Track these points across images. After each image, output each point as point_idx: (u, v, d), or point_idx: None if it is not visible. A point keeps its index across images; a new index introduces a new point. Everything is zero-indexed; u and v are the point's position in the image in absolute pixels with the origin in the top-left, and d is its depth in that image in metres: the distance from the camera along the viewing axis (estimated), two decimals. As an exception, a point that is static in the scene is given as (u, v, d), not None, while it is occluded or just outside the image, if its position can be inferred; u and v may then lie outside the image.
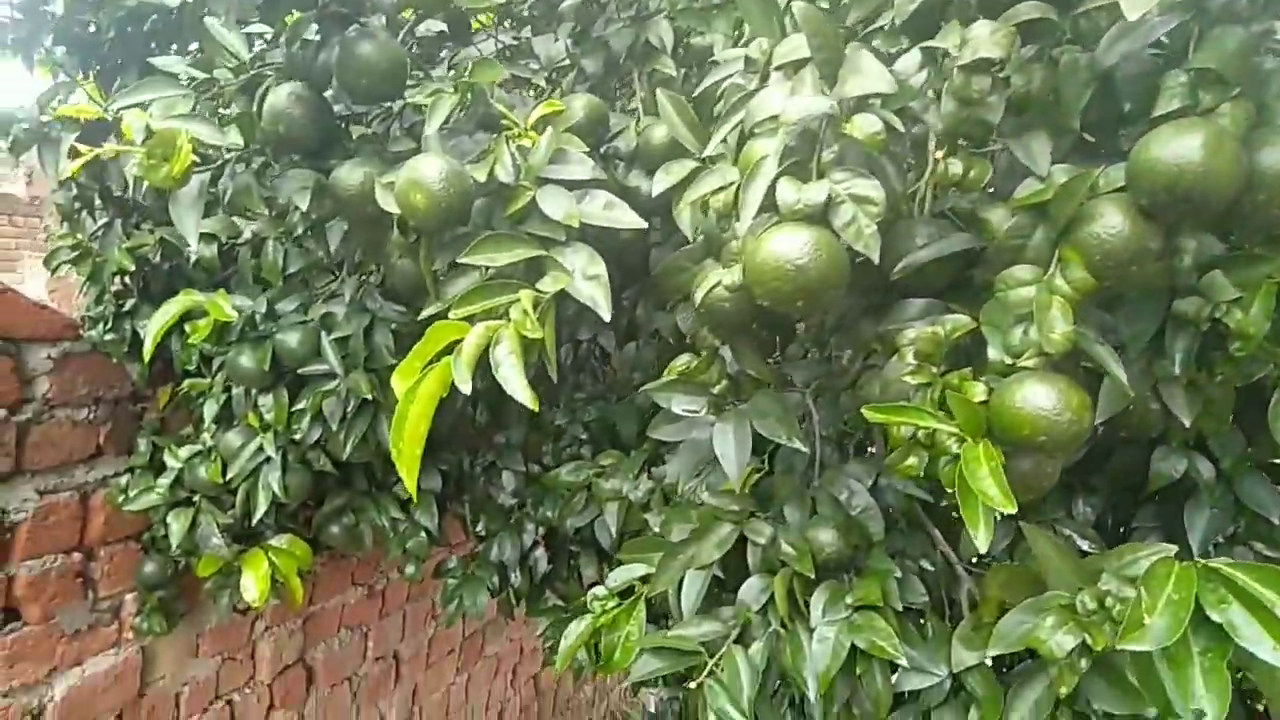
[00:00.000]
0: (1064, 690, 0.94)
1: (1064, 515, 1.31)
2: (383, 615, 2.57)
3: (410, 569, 1.86)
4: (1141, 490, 1.31)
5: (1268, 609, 0.78)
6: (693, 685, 1.14)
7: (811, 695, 1.09)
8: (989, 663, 1.10)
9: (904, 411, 0.89)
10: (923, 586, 1.18)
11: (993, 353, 0.90)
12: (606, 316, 0.98)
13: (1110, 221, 0.83)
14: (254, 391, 1.57)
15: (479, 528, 1.91)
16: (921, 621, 1.18)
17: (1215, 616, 0.80)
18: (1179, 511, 1.29)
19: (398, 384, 0.91)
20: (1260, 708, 1.36)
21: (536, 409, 0.91)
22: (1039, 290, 0.86)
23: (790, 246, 0.85)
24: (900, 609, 1.11)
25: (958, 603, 1.23)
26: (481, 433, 1.97)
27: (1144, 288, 1.07)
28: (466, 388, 0.91)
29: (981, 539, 0.82)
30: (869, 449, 1.36)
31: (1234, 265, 1.02)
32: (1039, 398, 0.84)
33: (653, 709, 1.63)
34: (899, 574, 1.14)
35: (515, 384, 0.92)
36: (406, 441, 0.91)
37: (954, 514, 1.38)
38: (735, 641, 1.17)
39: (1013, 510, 0.79)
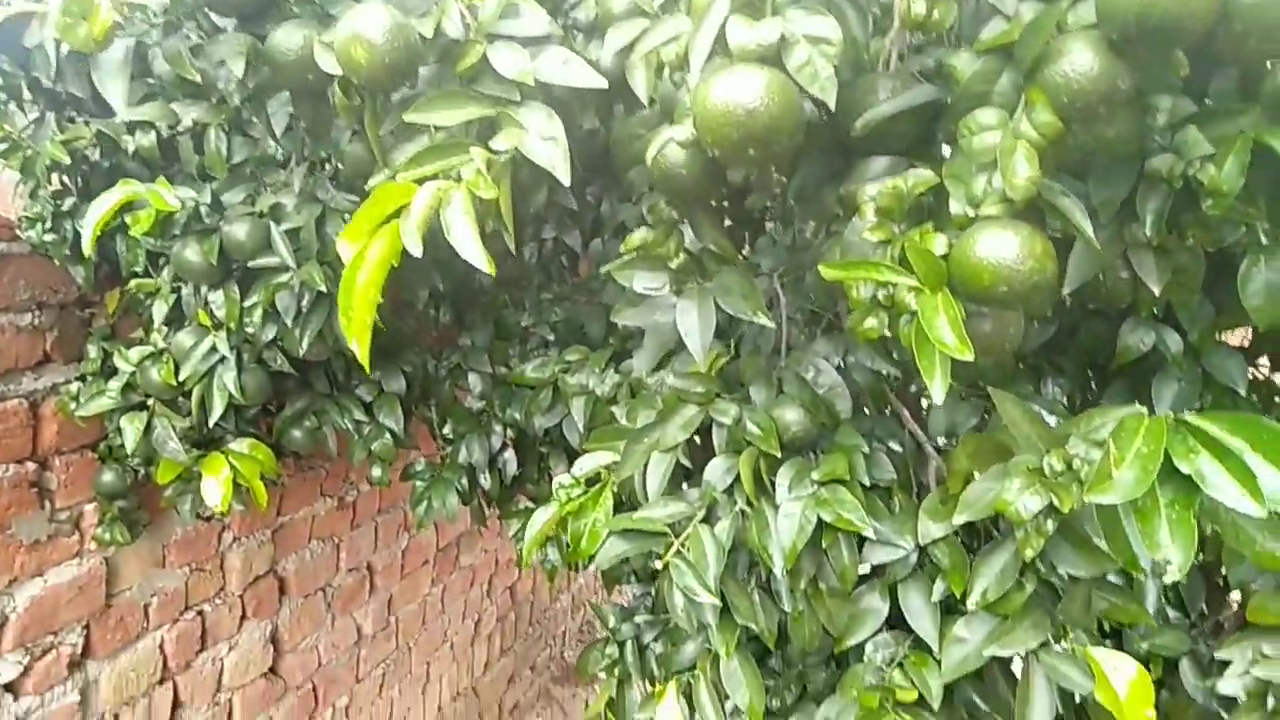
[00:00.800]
0: (1030, 553, 0.94)
1: (1032, 393, 1.30)
2: (354, 527, 2.55)
3: (376, 471, 1.83)
4: (1110, 366, 1.29)
5: (1236, 456, 0.77)
6: (659, 565, 1.12)
7: (778, 571, 1.09)
8: (957, 535, 1.09)
9: (861, 266, 0.86)
10: (890, 465, 1.17)
11: (955, 206, 0.86)
12: (565, 180, 0.93)
13: (1078, 59, 0.79)
14: (203, 289, 1.51)
15: (446, 430, 1.88)
16: (889, 498, 1.17)
17: (1184, 467, 0.78)
18: (1147, 387, 1.29)
19: (344, 247, 0.86)
20: (1219, 581, 1.38)
21: (493, 271, 0.87)
22: (1004, 135, 0.82)
23: (740, 89, 0.80)
24: (867, 484, 1.10)
25: (925, 484, 1.22)
26: (446, 334, 1.93)
27: (1114, 147, 1.04)
28: (417, 250, 0.86)
29: (938, 389, 0.80)
30: (838, 331, 1.33)
31: (1208, 120, 0.98)
32: (1000, 245, 0.81)
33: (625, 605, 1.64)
34: (866, 449, 1.12)
35: (469, 247, 0.88)
36: (356, 307, 0.87)
37: (923, 395, 1.37)
38: (702, 522, 1.16)
39: (969, 357, 0.77)
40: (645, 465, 1.20)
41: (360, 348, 0.88)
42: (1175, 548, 0.78)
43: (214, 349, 1.52)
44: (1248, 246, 1.13)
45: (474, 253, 0.87)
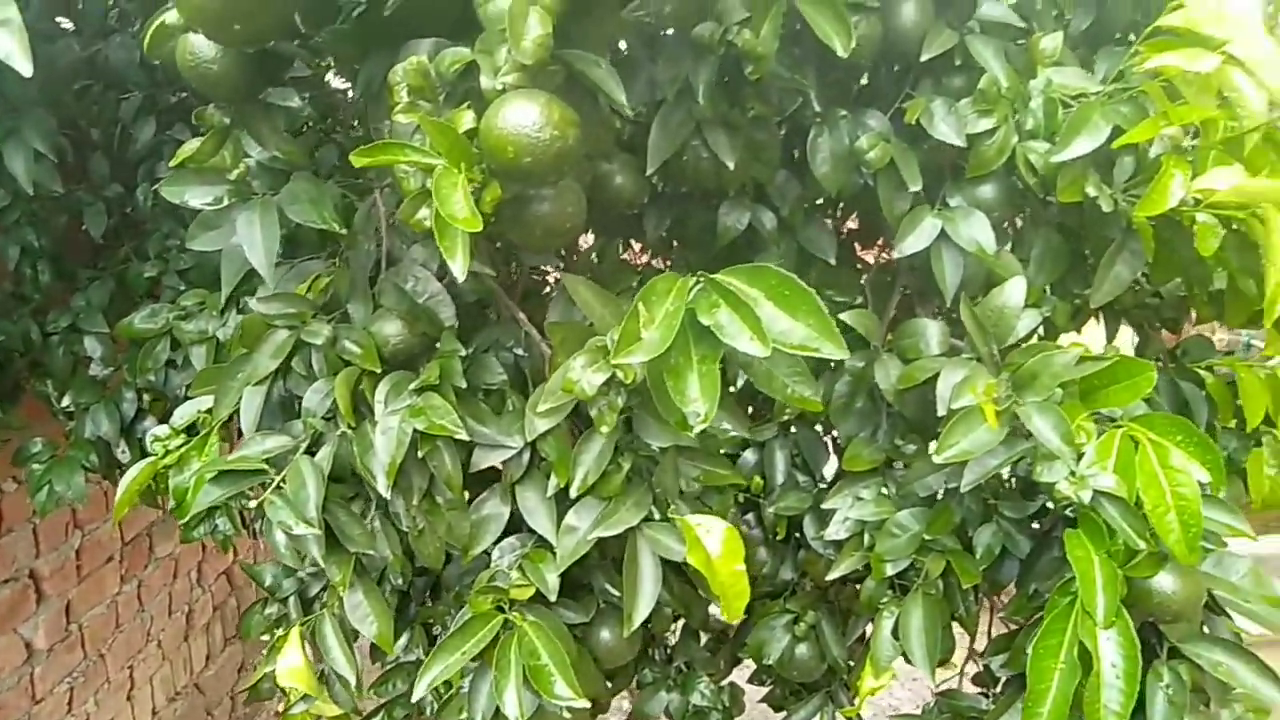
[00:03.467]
0: (605, 429, 0.94)
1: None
2: (3, 533, 2.23)
3: (-24, 461, 1.58)
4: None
5: (748, 305, 0.79)
6: (252, 504, 1.03)
7: (382, 490, 1.03)
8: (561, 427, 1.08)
9: (386, 150, 0.80)
10: (499, 367, 1.14)
11: (484, 80, 0.82)
12: (26, 72, 0.79)
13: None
14: None
15: (66, 403, 1.66)
16: (503, 400, 1.14)
17: (705, 320, 0.80)
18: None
19: None
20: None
21: None
22: (514, 0, 0.79)
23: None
24: (464, 386, 1.06)
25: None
26: (51, 295, 1.69)
27: (676, 22, 1.05)
28: None
29: (459, 266, 0.76)
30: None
31: (744, -15, 1.01)
32: (517, 115, 0.78)
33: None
34: (464, 352, 1.08)
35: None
36: None
37: (535, 301, 1.35)
38: (306, 453, 1.08)
39: (477, 229, 0.73)
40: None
41: None
42: (703, 399, 0.80)
43: None
44: (813, 117, 1.20)
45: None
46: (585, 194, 1.15)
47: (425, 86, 0.84)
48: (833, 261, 1.34)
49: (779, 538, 1.38)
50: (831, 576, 1.22)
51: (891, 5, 1.13)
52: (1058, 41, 1.18)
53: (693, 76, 1.02)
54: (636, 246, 1.55)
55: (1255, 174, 1.01)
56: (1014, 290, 1.10)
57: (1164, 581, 0.96)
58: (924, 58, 1.12)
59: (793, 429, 1.43)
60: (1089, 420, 1.00)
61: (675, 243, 1.44)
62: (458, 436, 0.99)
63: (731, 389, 1.39)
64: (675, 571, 1.10)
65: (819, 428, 1.45)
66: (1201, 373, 1.35)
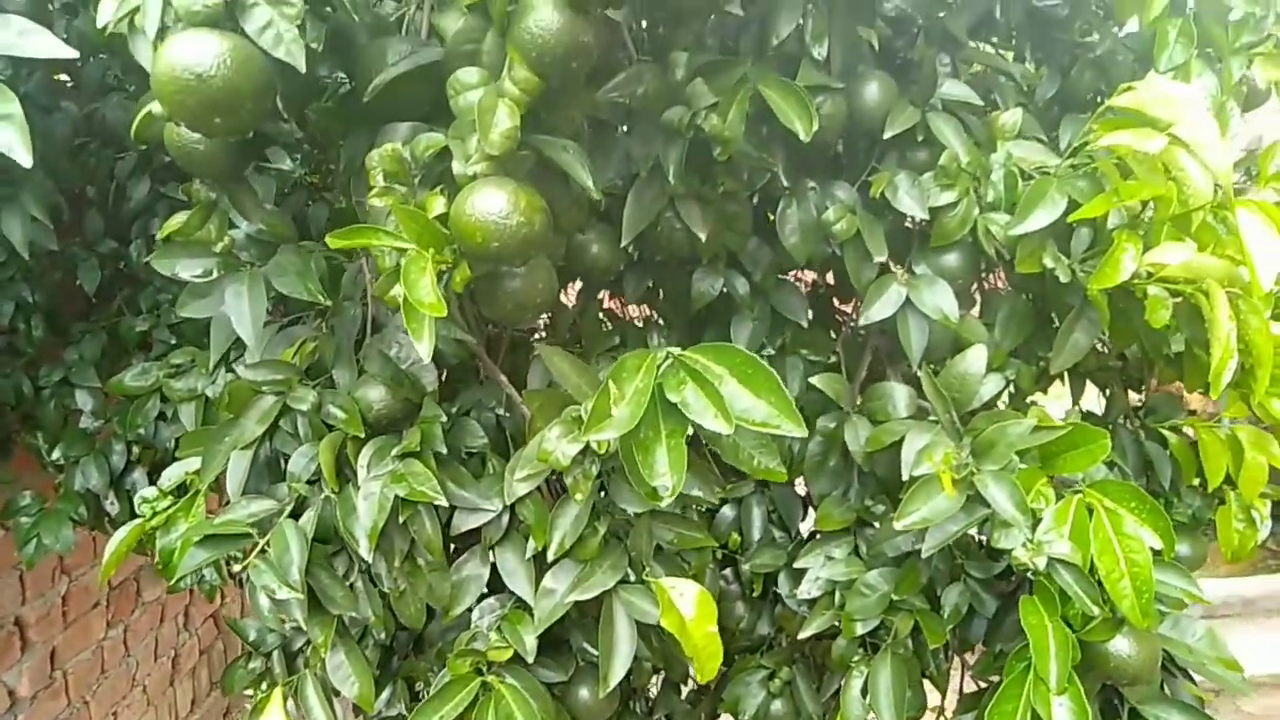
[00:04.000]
0: (580, 496, 0.97)
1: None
2: (-11, 580, 2.24)
3: (-34, 515, 1.60)
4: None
5: (712, 383, 0.83)
6: (237, 569, 1.06)
7: (364, 553, 1.06)
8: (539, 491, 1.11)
9: (360, 233, 0.84)
10: (481, 430, 1.18)
11: (456, 166, 0.87)
12: (25, 162, 0.83)
13: (540, 15, 0.81)
14: None
15: (56, 456, 1.68)
16: (483, 464, 1.17)
17: (673, 398, 0.83)
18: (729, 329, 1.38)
19: None
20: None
21: None
22: (484, 93, 0.83)
23: (189, 54, 0.76)
24: (445, 451, 1.09)
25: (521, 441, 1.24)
26: (43, 349, 1.72)
27: (648, 103, 1.09)
28: None
29: (424, 348, 0.80)
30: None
31: (713, 71, 1.06)
32: (485, 202, 0.82)
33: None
34: (444, 418, 1.11)
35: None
36: None
37: (524, 353, 1.39)
38: (290, 516, 1.10)
39: (442, 314, 0.77)
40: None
41: None
42: (671, 472, 0.83)
43: None
44: (781, 189, 1.25)
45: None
46: (564, 261, 1.20)
47: (400, 171, 0.88)
48: (804, 324, 1.38)
49: (756, 594, 1.41)
50: (803, 635, 1.25)
51: (856, 85, 1.18)
52: (1018, 117, 1.23)
53: (663, 157, 1.06)
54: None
55: (1203, 249, 1.06)
56: (975, 358, 1.14)
57: (1121, 645, 0.99)
58: (887, 135, 1.17)
59: (769, 485, 1.46)
60: (1048, 486, 1.03)
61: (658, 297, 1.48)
62: (437, 503, 1.02)
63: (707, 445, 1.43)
64: (655, 626, 1.13)
65: (796, 483, 1.49)
66: (1166, 433, 1.39)
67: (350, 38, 0.99)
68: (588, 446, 0.94)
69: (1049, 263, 1.15)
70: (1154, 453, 1.39)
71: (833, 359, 1.43)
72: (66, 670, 2.51)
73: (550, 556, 1.05)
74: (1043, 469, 1.05)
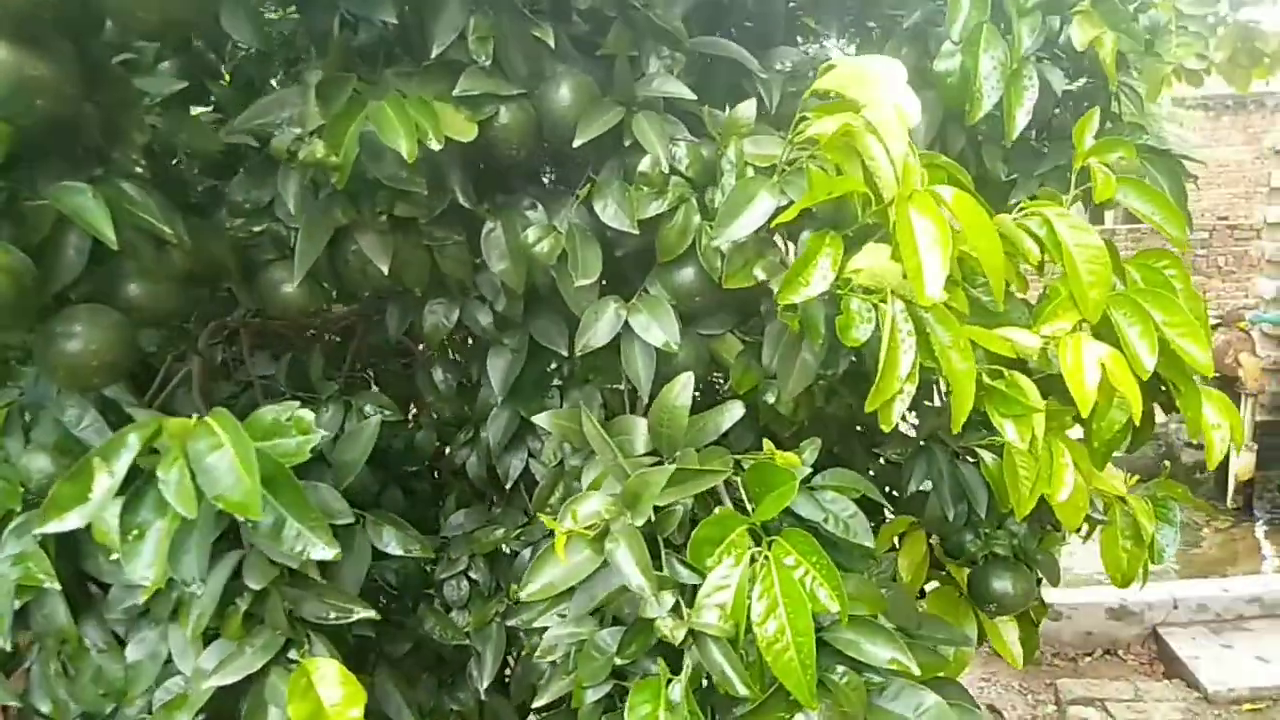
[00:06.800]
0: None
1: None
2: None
3: None
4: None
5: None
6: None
7: (4, 643, 0.98)
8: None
9: None
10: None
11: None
12: None
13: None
14: None
15: None
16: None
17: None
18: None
19: None
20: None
21: None
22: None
23: None
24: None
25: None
26: None
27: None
28: None
29: None
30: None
31: (326, 90, 0.95)
32: None
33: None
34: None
35: None
36: None
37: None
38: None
39: None
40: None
41: None
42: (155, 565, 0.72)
43: None
44: (485, 214, 1.12)
45: None
46: (261, 304, 1.10)
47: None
48: (564, 352, 1.25)
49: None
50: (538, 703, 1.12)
51: (545, 89, 1.06)
52: (750, 110, 1.09)
53: (282, 187, 0.96)
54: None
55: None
56: (682, 389, 1.00)
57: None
58: (576, 143, 1.04)
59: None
60: (744, 535, 0.89)
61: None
62: (49, 587, 0.93)
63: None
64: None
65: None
66: (982, 452, 1.21)
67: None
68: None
69: (760, 274, 1.00)
70: (968, 476, 1.21)
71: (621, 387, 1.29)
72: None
73: (187, 635, 0.95)
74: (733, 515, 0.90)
